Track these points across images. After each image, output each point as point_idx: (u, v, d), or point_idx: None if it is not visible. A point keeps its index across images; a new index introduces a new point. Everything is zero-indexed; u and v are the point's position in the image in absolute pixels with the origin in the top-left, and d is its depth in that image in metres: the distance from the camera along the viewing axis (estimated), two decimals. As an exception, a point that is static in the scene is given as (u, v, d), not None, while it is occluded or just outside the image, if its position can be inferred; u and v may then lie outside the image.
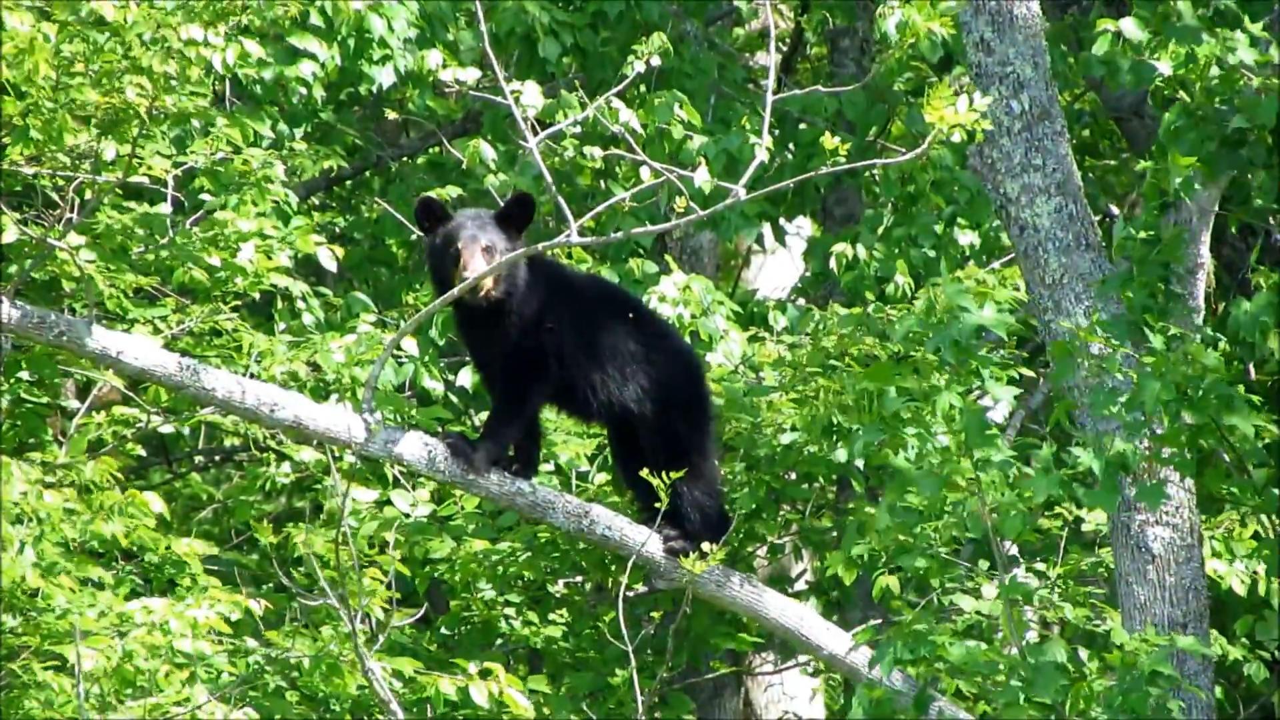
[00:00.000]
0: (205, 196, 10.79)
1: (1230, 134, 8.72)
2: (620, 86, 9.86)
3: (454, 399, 11.51)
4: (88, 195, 10.32)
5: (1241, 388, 7.83)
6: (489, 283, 9.07)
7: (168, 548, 9.92)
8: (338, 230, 13.07)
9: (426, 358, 11.04)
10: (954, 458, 7.74)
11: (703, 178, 11.29)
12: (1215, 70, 8.59)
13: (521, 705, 9.90)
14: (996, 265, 10.24)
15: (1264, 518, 8.67)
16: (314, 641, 9.94)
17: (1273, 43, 8.60)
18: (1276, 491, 8.32)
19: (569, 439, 10.55)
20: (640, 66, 11.09)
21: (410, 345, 10.86)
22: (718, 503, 9.40)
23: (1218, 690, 9.65)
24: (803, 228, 13.42)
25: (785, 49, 13.38)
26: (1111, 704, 7.63)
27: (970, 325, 7.60)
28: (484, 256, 9.06)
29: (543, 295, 9.24)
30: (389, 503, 10.52)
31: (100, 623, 9.16)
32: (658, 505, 9.06)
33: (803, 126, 12.14)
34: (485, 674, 9.95)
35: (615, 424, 9.49)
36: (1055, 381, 8.20)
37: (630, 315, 9.44)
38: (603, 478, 10.78)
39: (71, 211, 9.86)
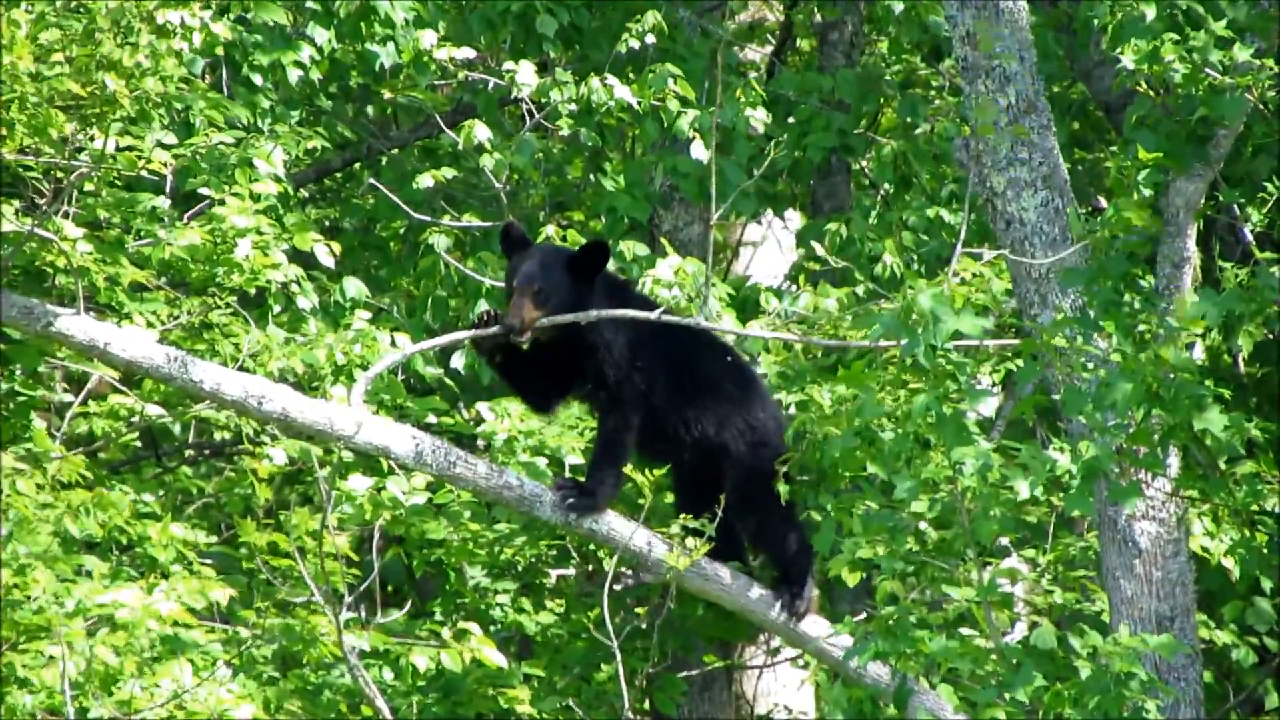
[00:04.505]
0: (203, 190, 10.79)
1: (1195, 128, 8.70)
2: (613, 61, 9.87)
3: (450, 383, 11.51)
4: (85, 185, 10.37)
5: (1212, 382, 7.81)
6: (526, 321, 9.20)
7: (145, 536, 9.96)
8: (328, 223, 13.06)
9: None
10: (930, 459, 7.74)
11: (699, 152, 11.31)
12: (1179, 67, 8.55)
13: (495, 662, 10.00)
14: (989, 255, 10.20)
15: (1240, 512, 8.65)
16: (290, 623, 10.01)
17: (1236, 41, 8.55)
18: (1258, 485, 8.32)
19: (563, 432, 10.55)
20: (635, 44, 11.11)
21: (401, 337, 10.86)
22: (804, 534, 9.50)
23: (1207, 676, 9.64)
24: (792, 220, 13.40)
25: (774, 42, 13.35)
26: (1085, 705, 7.63)
27: (946, 331, 7.57)
28: (533, 300, 9.20)
29: (632, 335, 9.33)
30: (384, 489, 10.53)
31: (77, 616, 9.19)
32: (749, 564, 9.48)
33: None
34: (461, 635, 10.01)
35: (701, 464, 9.55)
36: (1021, 381, 8.20)
37: (729, 359, 9.54)
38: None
39: (58, 201, 9.87)
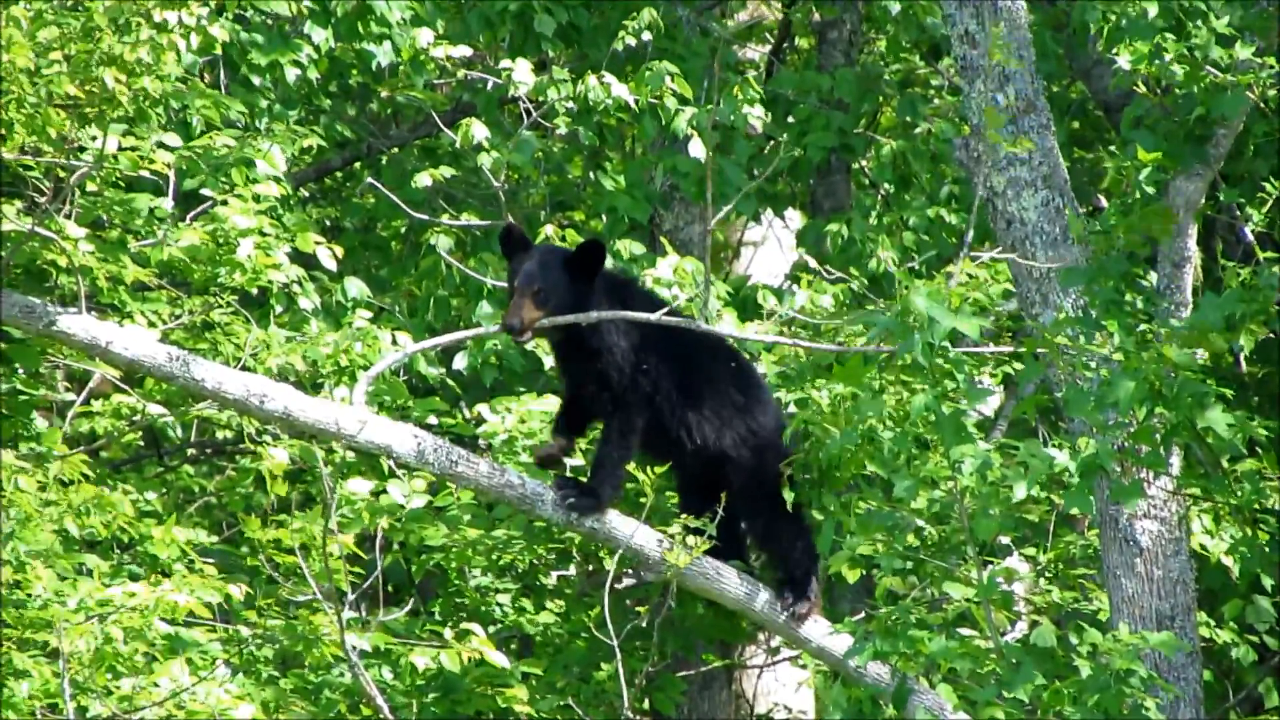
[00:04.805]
0: (204, 191, 10.80)
1: (1194, 127, 8.72)
2: (610, 59, 9.88)
3: (451, 384, 11.51)
4: (86, 185, 10.36)
5: (1213, 382, 7.81)
6: (526, 321, 9.26)
7: (146, 537, 9.97)
8: (328, 223, 13.06)
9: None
10: (929, 458, 7.74)
11: (697, 150, 11.32)
12: (1178, 67, 8.57)
13: (498, 663, 10.01)
14: (986, 257, 10.21)
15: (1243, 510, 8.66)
16: (291, 623, 10.02)
17: (1238, 39, 8.56)
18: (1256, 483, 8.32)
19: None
20: (631, 41, 11.10)
21: (403, 337, 10.87)
22: (810, 539, 9.52)
23: (1206, 675, 9.65)
24: (792, 220, 13.42)
25: (773, 41, 13.36)
26: (1085, 703, 7.64)
27: (943, 330, 7.58)
28: (533, 301, 9.25)
29: (635, 337, 9.37)
30: (384, 492, 10.53)
31: (79, 613, 9.20)
32: (750, 563, 9.49)
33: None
34: (463, 636, 10.02)
35: (703, 469, 9.59)
36: (1023, 380, 8.20)
37: (733, 364, 9.56)
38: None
39: (58, 200, 9.87)
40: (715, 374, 9.53)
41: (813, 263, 11.66)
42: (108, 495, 9.82)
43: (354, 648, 9.37)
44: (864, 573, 9.47)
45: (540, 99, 11.17)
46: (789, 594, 9.39)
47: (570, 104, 11.18)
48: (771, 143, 12.05)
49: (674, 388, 9.44)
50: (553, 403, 10.57)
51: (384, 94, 13.40)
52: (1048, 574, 10.17)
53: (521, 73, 11.15)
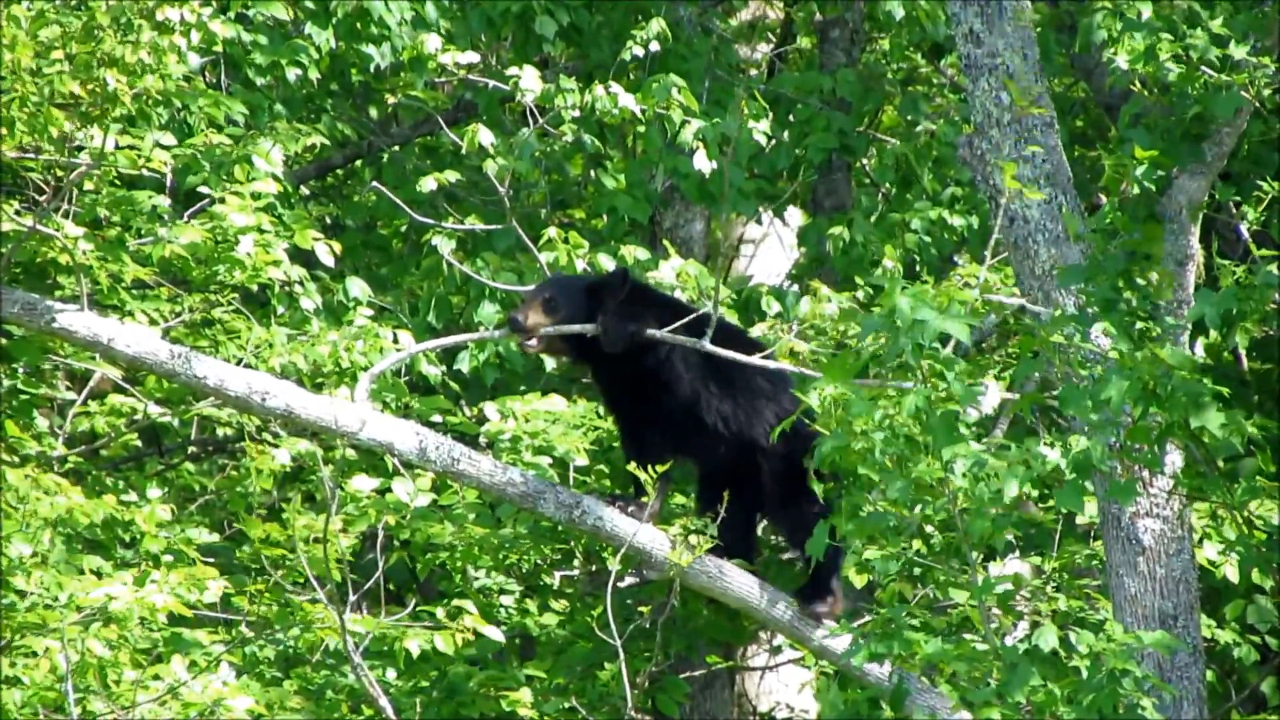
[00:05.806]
0: (202, 189, 10.80)
1: (1190, 126, 8.72)
2: (617, 67, 9.87)
3: (451, 384, 11.51)
4: (85, 185, 10.37)
5: (1211, 380, 7.79)
6: (530, 323, 9.34)
7: (144, 533, 9.96)
8: (329, 221, 13.06)
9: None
10: (922, 457, 7.69)
11: (702, 162, 11.32)
12: (1173, 66, 8.58)
13: (495, 639, 9.99)
14: (992, 261, 10.20)
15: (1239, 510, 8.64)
16: (284, 609, 10.02)
17: (1233, 39, 8.57)
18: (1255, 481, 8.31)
19: (566, 432, 10.54)
20: (639, 50, 11.09)
21: (404, 335, 10.87)
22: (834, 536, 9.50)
23: (1209, 675, 9.64)
24: (792, 218, 13.41)
25: (775, 40, 13.37)
26: (1080, 703, 7.60)
27: (932, 331, 7.54)
28: (542, 306, 9.34)
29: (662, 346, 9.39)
30: (389, 490, 10.53)
31: (70, 609, 9.20)
32: (754, 563, 9.45)
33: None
34: (455, 614, 10.01)
35: (733, 460, 9.56)
36: (1018, 377, 8.19)
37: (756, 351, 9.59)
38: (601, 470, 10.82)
39: (58, 198, 9.87)
40: (743, 366, 9.49)
41: (826, 290, 11.66)
42: (80, 505, 9.78)
43: (357, 647, 9.35)
44: (870, 580, 9.47)
45: (547, 106, 11.16)
46: (807, 592, 9.34)
47: (576, 112, 11.17)
48: (772, 142, 12.05)
49: (705, 380, 9.42)
50: (557, 403, 10.57)
51: (389, 100, 13.41)
52: (1053, 583, 10.16)
53: (529, 80, 11.14)
